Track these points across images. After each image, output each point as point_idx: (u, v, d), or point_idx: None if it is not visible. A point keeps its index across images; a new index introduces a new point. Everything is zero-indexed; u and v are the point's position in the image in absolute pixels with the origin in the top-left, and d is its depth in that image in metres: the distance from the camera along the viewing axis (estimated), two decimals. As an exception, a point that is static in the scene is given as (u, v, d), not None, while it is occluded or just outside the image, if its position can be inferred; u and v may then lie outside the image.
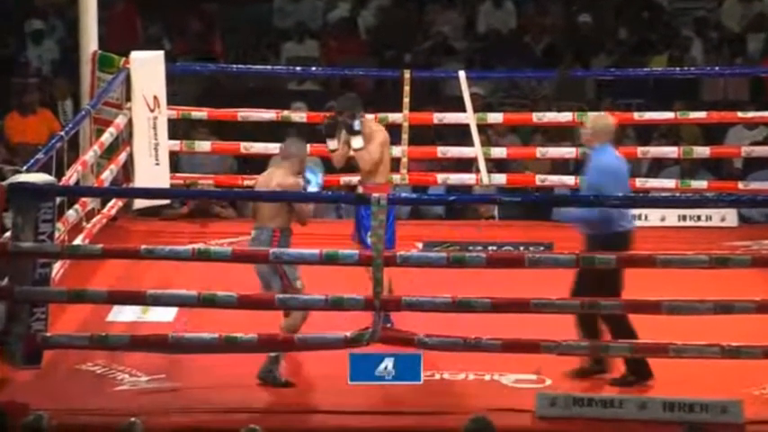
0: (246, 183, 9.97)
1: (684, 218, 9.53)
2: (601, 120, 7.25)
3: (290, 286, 6.83)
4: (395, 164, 10.05)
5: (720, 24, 13.00)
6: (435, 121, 10.18)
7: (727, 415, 6.27)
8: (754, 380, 6.72)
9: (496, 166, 10.21)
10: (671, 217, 9.51)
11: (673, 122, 10.22)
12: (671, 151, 10.02)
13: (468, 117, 9.90)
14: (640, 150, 10.07)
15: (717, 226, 9.41)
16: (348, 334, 6.67)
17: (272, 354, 6.75)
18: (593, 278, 6.73)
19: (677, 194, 9.70)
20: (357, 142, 7.49)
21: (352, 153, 7.58)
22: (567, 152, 10.18)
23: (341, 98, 7.75)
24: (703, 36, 12.72)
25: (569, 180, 9.91)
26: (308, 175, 7.07)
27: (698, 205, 9.26)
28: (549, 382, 6.81)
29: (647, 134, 10.91)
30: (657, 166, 10.56)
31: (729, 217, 9.38)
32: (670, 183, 9.89)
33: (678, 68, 11.71)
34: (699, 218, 9.48)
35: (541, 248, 8.75)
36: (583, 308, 6.67)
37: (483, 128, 10.14)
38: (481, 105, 10.60)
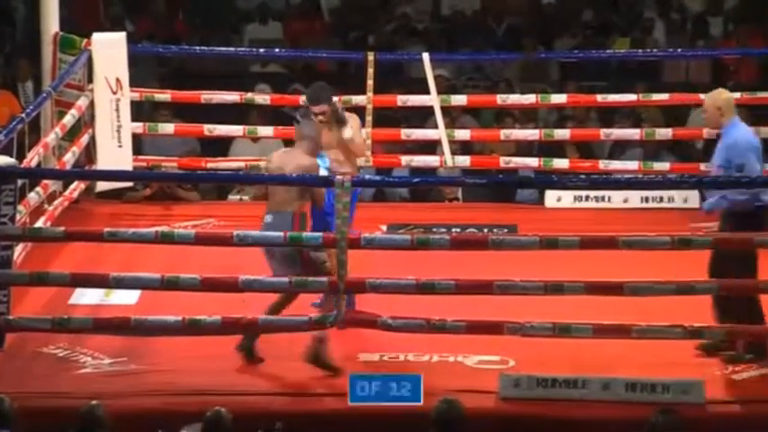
0: (210, 165, 9.96)
1: (647, 199, 9.57)
2: (721, 96, 7.05)
3: (318, 270, 6.72)
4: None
5: (683, 6, 13.05)
6: (399, 104, 10.17)
7: (688, 395, 6.32)
8: (717, 360, 6.77)
9: (461, 148, 10.22)
10: (634, 199, 9.56)
11: (635, 105, 10.26)
12: (633, 133, 10.06)
13: (432, 99, 9.90)
14: (603, 132, 10.11)
15: (679, 207, 9.45)
16: (313, 316, 6.68)
17: (317, 335, 6.67)
18: (731, 259, 6.69)
19: (640, 176, 9.74)
20: (348, 132, 7.43)
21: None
22: (531, 134, 10.20)
23: (321, 90, 7.56)
24: (666, 18, 12.77)
25: (533, 162, 9.94)
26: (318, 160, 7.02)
27: (660, 187, 9.30)
28: (512, 363, 6.83)
29: (609, 116, 10.96)
30: (620, 148, 10.60)
31: (691, 199, 9.43)
32: (633, 164, 9.93)
33: (641, 50, 11.75)
34: (661, 199, 9.53)
35: (505, 230, 8.77)
36: (546, 290, 6.68)
37: (447, 110, 10.15)
38: (445, 87, 10.61)
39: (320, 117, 7.30)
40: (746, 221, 6.77)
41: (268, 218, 6.87)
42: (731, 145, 6.93)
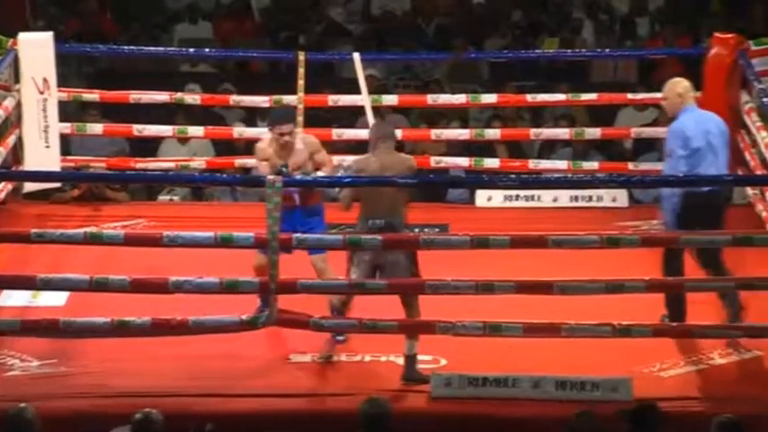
0: (139, 165, 9.88)
1: (576, 198, 9.64)
2: (682, 83, 7.20)
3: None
4: (289, 146, 10.04)
5: (610, 7, 13.18)
6: (330, 104, 10.16)
7: (617, 393, 6.38)
8: (645, 358, 6.84)
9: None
10: (563, 198, 9.62)
11: (564, 104, 10.34)
12: (563, 133, 10.14)
13: (364, 99, 9.91)
14: (533, 132, 10.18)
15: (608, 206, 9.54)
16: (244, 317, 6.65)
17: (409, 355, 6.63)
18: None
19: (569, 175, 9.82)
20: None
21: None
22: (462, 134, 10.24)
23: (286, 110, 7.63)
24: (594, 18, 12.89)
25: (464, 161, 9.97)
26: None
27: (589, 186, 9.38)
28: (444, 362, 6.86)
29: (539, 115, 11.03)
30: (550, 148, 10.68)
31: (620, 198, 9.52)
32: (562, 164, 10.00)
33: (569, 50, 11.85)
34: (590, 198, 9.61)
35: (436, 230, 8.80)
36: (477, 289, 6.72)
37: (377, 110, 10.16)
38: (376, 87, 10.61)
39: (286, 137, 7.24)
40: (690, 215, 6.88)
41: (376, 224, 6.72)
42: (670, 131, 7.12)
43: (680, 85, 7.22)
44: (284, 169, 7.10)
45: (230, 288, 6.65)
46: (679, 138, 7.00)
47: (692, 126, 7.04)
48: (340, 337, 6.93)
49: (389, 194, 6.74)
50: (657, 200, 7.39)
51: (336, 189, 7.12)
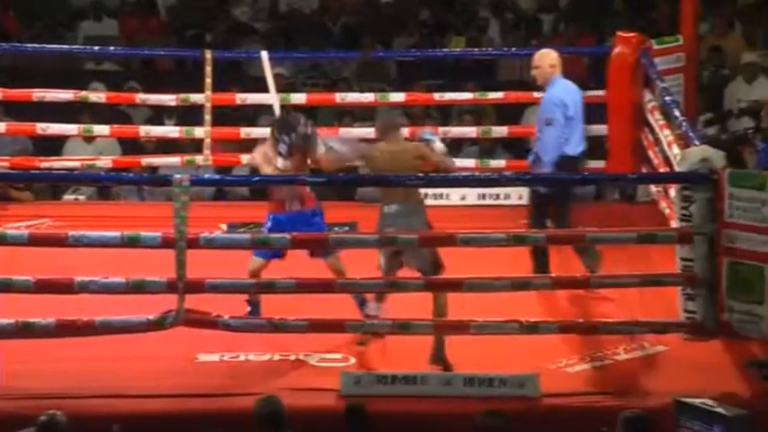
0: (44, 164, 9.74)
1: (484, 196, 9.72)
2: (551, 54, 7.90)
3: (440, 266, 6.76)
4: (197, 145, 9.99)
5: (516, 6, 13.29)
6: (238, 102, 10.12)
7: (524, 389, 6.44)
8: (551, 355, 6.91)
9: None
10: (471, 196, 9.69)
11: (472, 102, 10.40)
12: (470, 131, 10.20)
13: (272, 98, 9.88)
14: (441, 130, 10.23)
15: (515, 204, 9.62)
16: (151, 317, 6.60)
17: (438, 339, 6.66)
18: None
19: (477, 174, 9.88)
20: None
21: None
22: (370, 132, 10.25)
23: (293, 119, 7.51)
24: (500, 17, 12.99)
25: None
26: (427, 136, 7.08)
27: (496, 184, 9.45)
28: (353, 360, 6.87)
29: (447, 114, 11.09)
30: (457, 146, 10.74)
31: (527, 196, 9.60)
32: (470, 162, 10.07)
33: (476, 49, 11.92)
34: (498, 196, 9.69)
35: (346, 228, 8.80)
36: (387, 287, 6.75)
37: (285, 109, 10.13)
38: (284, 86, 10.59)
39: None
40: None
41: (392, 208, 6.81)
42: (544, 101, 7.86)
43: (551, 56, 7.89)
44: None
45: (137, 288, 6.59)
46: (559, 106, 7.72)
47: (566, 96, 7.78)
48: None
49: (396, 171, 6.85)
50: (535, 162, 7.89)
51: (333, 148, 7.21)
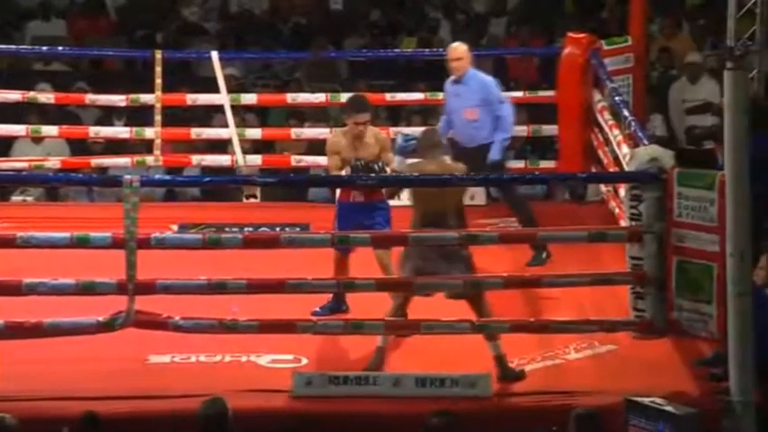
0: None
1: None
2: (464, 45, 8.44)
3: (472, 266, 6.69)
4: (147, 145, 9.94)
5: (467, 6, 13.32)
6: (189, 102, 10.08)
7: (476, 389, 6.45)
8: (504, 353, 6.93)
9: (252, 146, 10.20)
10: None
11: (423, 103, 10.41)
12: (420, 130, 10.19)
13: (222, 98, 9.85)
14: (392, 131, 10.23)
15: (466, 204, 9.62)
16: (101, 318, 6.56)
17: (497, 355, 6.59)
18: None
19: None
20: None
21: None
22: (322, 133, 10.25)
23: (363, 99, 7.58)
24: (451, 18, 13.02)
25: (324, 160, 9.96)
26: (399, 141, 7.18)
27: (449, 184, 9.44)
28: (305, 361, 6.86)
29: (397, 115, 11.10)
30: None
31: (478, 196, 9.62)
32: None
33: (427, 50, 11.95)
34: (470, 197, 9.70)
35: (297, 229, 8.79)
36: (338, 287, 6.75)
37: (237, 109, 10.11)
38: (235, 86, 10.56)
39: (361, 126, 7.27)
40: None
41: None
42: (485, 85, 8.33)
43: (466, 48, 8.40)
44: (359, 163, 7.15)
45: (87, 290, 6.55)
46: (498, 87, 8.39)
47: None
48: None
49: (441, 198, 6.72)
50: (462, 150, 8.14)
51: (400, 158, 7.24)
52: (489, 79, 8.41)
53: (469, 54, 8.37)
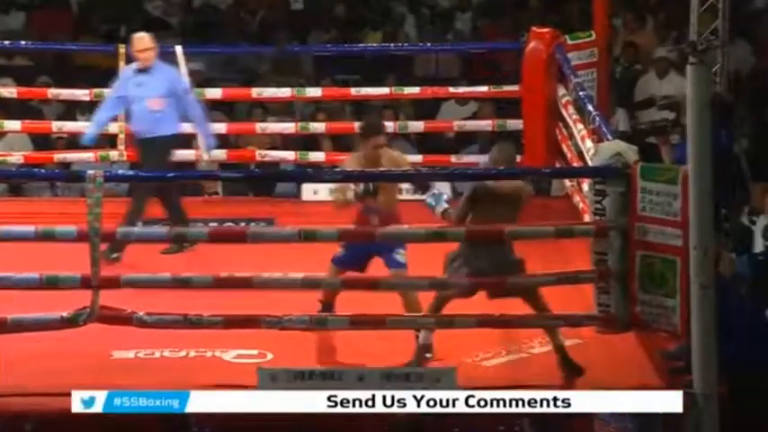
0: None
1: (401, 191, 9.71)
2: (148, 36, 8.59)
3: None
4: (111, 140, 9.89)
5: (432, 1, 13.33)
6: (153, 97, 10.03)
7: (441, 383, 6.45)
8: (467, 348, 6.95)
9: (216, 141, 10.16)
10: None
11: (388, 98, 10.42)
12: (387, 126, 10.19)
13: (187, 92, 9.80)
14: (357, 126, 10.20)
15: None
16: (64, 314, 6.53)
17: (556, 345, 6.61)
18: None
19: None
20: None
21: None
22: (287, 127, 10.24)
23: (380, 120, 7.38)
24: (416, 13, 13.03)
25: (290, 155, 9.98)
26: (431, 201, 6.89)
27: (413, 179, 9.45)
28: (270, 356, 6.85)
29: (362, 109, 11.11)
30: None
31: (443, 190, 9.62)
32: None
33: (392, 44, 11.95)
34: (409, 191, 9.70)
35: (262, 224, 8.78)
36: (304, 285, 6.74)
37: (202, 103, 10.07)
38: (199, 81, 10.52)
39: (379, 150, 6.97)
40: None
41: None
42: (172, 76, 8.60)
43: (152, 38, 8.59)
44: (369, 187, 6.85)
45: (51, 284, 6.52)
46: (182, 79, 8.64)
47: None
48: (428, 354, 6.78)
49: (501, 213, 6.65)
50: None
51: (440, 206, 6.93)
52: (175, 70, 8.66)
53: (155, 45, 8.55)
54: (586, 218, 7.68)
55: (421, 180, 7.03)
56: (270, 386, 6.44)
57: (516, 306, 6.88)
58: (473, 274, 6.63)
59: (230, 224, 8.84)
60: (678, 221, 6.47)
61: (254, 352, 6.87)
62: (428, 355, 6.80)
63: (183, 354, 6.89)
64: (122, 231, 7.08)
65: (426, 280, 6.76)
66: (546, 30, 9.60)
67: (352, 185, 6.85)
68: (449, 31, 12.71)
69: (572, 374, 6.59)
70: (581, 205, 8.53)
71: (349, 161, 7.17)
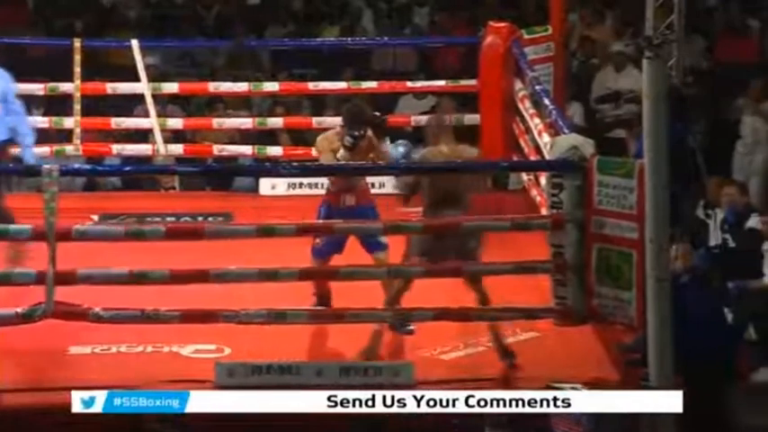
0: None
1: (373, 185, 9.74)
2: None
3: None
4: (66, 135, 9.83)
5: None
6: (109, 91, 9.98)
7: (399, 377, 6.47)
8: (425, 343, 6.97)
9: (173, 136, 10.13)
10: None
11: (346, 92, 10.42)
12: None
13: (143, 87, 9.76)
14: (315, 120, 10.22)
15: (392, 193, 9.61)
16: (19, 309, 6.48)
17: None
18: None
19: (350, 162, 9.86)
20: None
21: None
22: (244, 122, 10.22)
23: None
24: (373, 7, 13.03)
25: (247, 150, 9.95)
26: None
27: (373, 173, 9.46)
28: (228, 351, 6.83)
29: (320, 104, 11.10)
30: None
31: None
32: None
33: (350, 39, 11.94)
34: (373, 185, 9.66)
35: (220, 219, 8.75)
36: (261, 277, 6.73)
37: (158, 98, 10.03)
38: (155, 75, 10.48)
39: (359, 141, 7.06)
40: None
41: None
42: (5, 78, 7.61)
43: None
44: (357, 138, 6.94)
45: (4, 280, 6.47)
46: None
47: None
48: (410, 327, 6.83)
49: (453, 184, 6.66)
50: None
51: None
52: (6, 73, 7.70)
53: None
54: (544, 211, 7.71)
55: (379, 173, 7.01)
56: (227, 381, 6.43)
57: (472, 299, 6.90)
58: (430, 249, 6.64)
59: (188, 219, 8.81)
60: (634, 215, 6.51)
61: (212, 347, 6.85)
62: (411, 328, 6.88)
63: (140, 349, 6.86)
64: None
65: (384, 268, 6.76)
66: (503, 24, 9.63)
67: (336, 139, 6.97)
68: (406, 25, 12.72)
69: (505, 359, 6.63)
70: (538, 199, 8.56)
71: (324, 136, 7.21)
